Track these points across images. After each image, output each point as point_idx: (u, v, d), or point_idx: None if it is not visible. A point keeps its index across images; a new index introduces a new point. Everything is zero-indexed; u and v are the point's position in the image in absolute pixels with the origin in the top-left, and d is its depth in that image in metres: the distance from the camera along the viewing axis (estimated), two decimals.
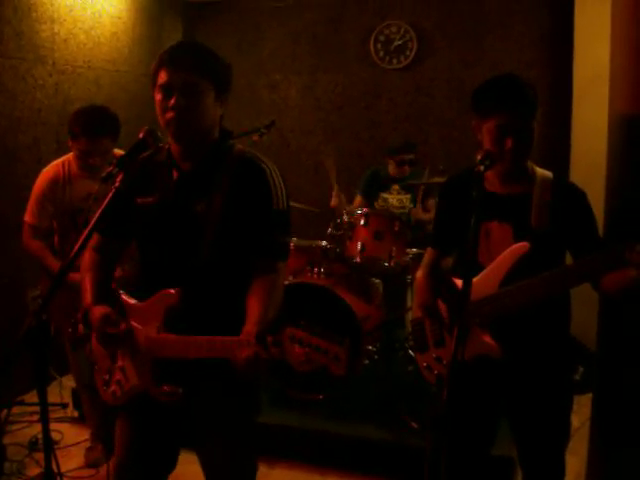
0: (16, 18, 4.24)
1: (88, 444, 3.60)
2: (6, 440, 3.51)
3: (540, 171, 2.26)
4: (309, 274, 4.01)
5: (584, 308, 2.61)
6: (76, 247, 1.77)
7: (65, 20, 4.69)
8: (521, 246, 2.15)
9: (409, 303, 4.22)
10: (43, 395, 1.73)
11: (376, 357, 4.00)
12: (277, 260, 2.00)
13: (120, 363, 2.06)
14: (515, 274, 2.14)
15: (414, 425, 3.53)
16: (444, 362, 2.34)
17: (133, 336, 2.01)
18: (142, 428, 2.10)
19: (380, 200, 4.87)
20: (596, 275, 2.07)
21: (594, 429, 2.81)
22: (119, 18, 5.35)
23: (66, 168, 3.31)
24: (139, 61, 5.56)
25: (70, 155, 3.33)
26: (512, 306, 2.14)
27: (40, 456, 3.44)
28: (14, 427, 3.81)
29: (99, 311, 2.01)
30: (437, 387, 2.36)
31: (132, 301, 2.07)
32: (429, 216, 4.42)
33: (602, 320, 2.75)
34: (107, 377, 2.11)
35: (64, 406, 4.07)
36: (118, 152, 3.29)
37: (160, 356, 1.95)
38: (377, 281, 4.41)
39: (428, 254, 2.51)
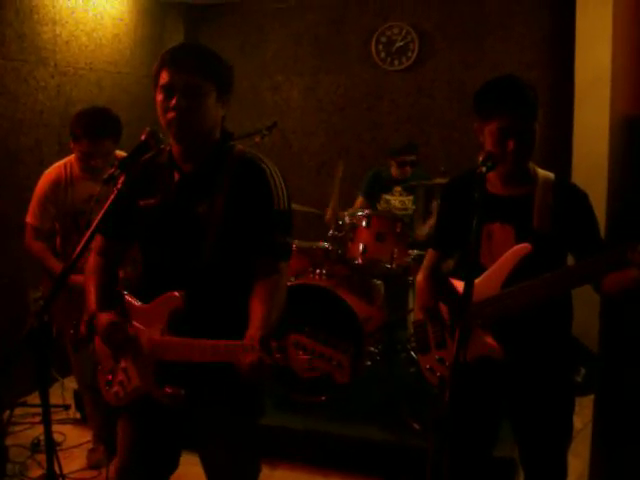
0: (18, 20, 4.25)
1: (90, 446, 3.60)
2: (8, 441, 3.51)
3: (542, 172, 2.26)
4: (311, 275, 4.01)
5: (586, 309, 2.61)
6: (78, 249, 1.77)
7: (67, 22, 4.70)
8: (523, 247, 2.15)
9: (411, 305, 4.22)
10: (45, 397, 1.73)
11: (378, 359, 3.99)
12: (279, 260, 2.00)
13: (123, 364, 2.07)
14: (517, 275, 2.14)
15: (416, 426, 3.52)
16: (446, 363, 2.33)
17: (137, 338, 2.01)
18: (144, 429, 2.10)
19: (382, 201, 4.88)
20: (597, 276, 2.07)
21: (596, 430, 2.81)
22: (121, 20, 5.36)
23: (68, 170, 3.31)
24: (141, 63, 5.57)
25: (72, 157, 3.34)
26: (514, 307, 2.13)
27: (42, 458, 3.45)
28: (16, 428, 3.81)
29: (105, 318, 2.02)
30: (439, 389, 2.36)
31: (136, 303, 2.07)
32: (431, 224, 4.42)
33: (604, 321, 2.75)
34: (110, 377, 2.11)
35: (66, 408, 4.07)
36: (120, 154, 3.29)
37: (164, 359, 1.95)
38: (379, 282, 4.41)
39: (429, 256, 2.51)
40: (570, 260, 2.26)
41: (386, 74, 5.87)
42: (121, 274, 2.35)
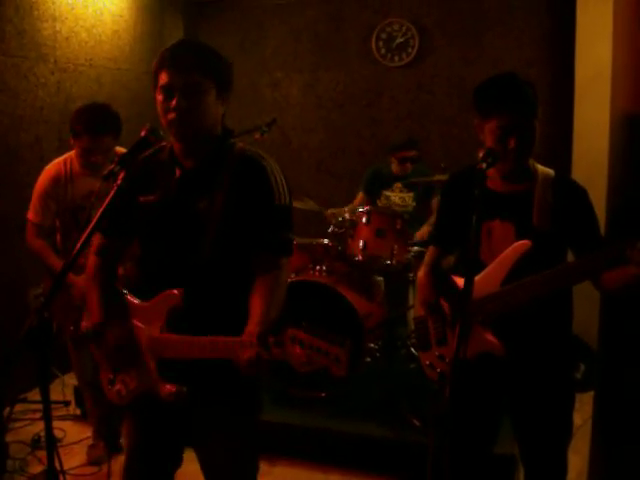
0: (18, 16, 4.25)
1: (90, 442, 3.61)
2: (9, 438, 3.51)
3: (542, 169, 2.26)
4: (311, 272, 4.01)
5: (586, 306, 2.61)
6: (78, 245, 1.77)
7: (67, 18, 4.69)
8: (523, 244, 2.15)
9: (411, 301, 4.22)
10: (46, 393, 1.73)
11: (378, 355, 4.00)
12: (280, 256, 2.00)
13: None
14: (517, 272, 2.14)
15: (416, 423, 3.52)
16: (446, 360, 2.34)
17: (137, 336, 2.01)
18: (147, 427, 2.11)
19: (382, 198, 4.87)
20: (597, 272, 2.07)
21: (596, 427, 2.81)
22: (120, 16, 5.36)
23: (68, 166, 3.31)
24: (140, 59, 5.56)
25: (72, 153, 3.34)
26: (514, 304, 2.14)
27: (43, 454, 3.45)
28: (17, 425, 3.82)
29: (114, 334, 2.03)
30: (439, 385, 2.36)
31: (136, 301, 2.07)
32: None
33: (604, 318, 2.75)
34: (112, 376, 2.11)
35: (66, 404, 4.08)
36: (120, 150, 3.29)
37: (163, 356, 1.95)
38: (379, 279, 4.41)
39: (430, 252, 2.51)
40: (570, 257, 2.26)
41: (386, 70, 5.87)
42: (121, 271, 2.35)
